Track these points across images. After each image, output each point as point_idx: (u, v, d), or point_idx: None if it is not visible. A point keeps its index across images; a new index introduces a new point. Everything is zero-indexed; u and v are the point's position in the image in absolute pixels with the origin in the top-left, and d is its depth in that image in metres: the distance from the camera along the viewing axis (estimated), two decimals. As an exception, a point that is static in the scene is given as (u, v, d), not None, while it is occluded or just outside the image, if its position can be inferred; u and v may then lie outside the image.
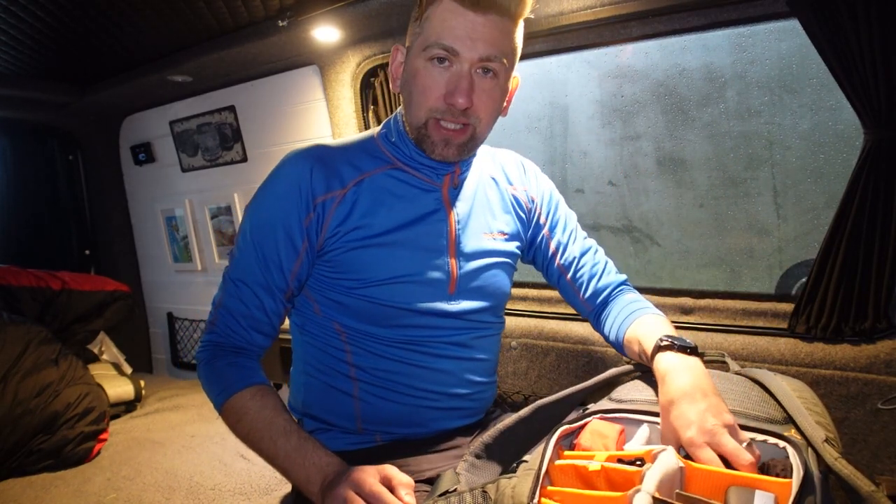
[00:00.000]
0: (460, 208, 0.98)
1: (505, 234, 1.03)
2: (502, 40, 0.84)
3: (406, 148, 0.94)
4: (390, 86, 0.93)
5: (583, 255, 1.10)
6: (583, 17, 1.43)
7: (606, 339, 1.06)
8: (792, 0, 1.17)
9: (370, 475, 0.74)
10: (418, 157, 0.94)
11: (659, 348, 0.83)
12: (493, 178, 1.05)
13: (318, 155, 0.91)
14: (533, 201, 1.09)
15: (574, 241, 1.10)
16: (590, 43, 1.55)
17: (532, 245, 1.11)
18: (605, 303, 1.08)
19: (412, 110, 0.89)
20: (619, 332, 1.00)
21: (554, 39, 1.57)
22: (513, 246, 1.05)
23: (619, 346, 1.01)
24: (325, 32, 1.67)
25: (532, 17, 0.88)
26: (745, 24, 1.36)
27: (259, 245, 0.90)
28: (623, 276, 1.12)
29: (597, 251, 1.12)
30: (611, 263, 1.12)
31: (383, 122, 1.01)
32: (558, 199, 1.12)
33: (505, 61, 0.86)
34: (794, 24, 1.21)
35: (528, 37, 1.57)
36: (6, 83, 2.06)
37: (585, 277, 1.08)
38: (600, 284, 1.08)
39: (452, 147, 0.89)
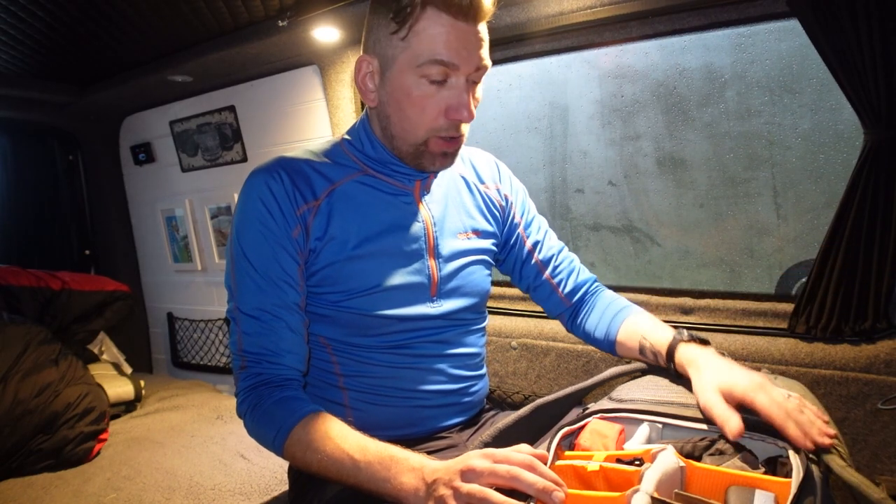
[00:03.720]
0: (434, 209, 0.98)
1: (479, 231, 1.04)
2: (485, 46, 0.85)
3: (378, 155, 0.93)
4: (362, 98, 0.91)
5: (560, 251, 1.12)
6: (583, 17, 1.43)
7: (588, 336, 1.08)
8: (792, 0, 1.17)
9: (479, 462, 0.65)
10: (392, 165, 0.93)
11: (678, 342, 0.86)
12: (463, 177, 1.06)
13: (287, 167, 0.89)
14: (507, 199, 1.10)
15: (549, 238, 1.13)
16: (590, 43, 1.55)
17: (507, 244, 1.12)
18: (583, 300, 1.11)
19: (406, 128, 0.87)
20: (610, 329, 1.02)
21: (554, 39, 1.57)
22: (489, 243, 1.06)
23: (608, 343, 1.03)
24: (325, 32, 1.67)
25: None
26: (745, 24, 1.36)
27: (261, 267, 0.86)
28: (593, 275, 1.15)
29: (568, 249, 1.15)
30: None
31: (347, 129, 1.00)
32: (531, 203, 1.15)
33: (489, 66, 0.86)
34: (794, 24, 1.21)
35: (528, 37, 1.58)
36: (6, 83, 2.06)
37: (565, 273, 1.10)
38: (579, 280, 1.11)
39: (449, 158, 0.91)
